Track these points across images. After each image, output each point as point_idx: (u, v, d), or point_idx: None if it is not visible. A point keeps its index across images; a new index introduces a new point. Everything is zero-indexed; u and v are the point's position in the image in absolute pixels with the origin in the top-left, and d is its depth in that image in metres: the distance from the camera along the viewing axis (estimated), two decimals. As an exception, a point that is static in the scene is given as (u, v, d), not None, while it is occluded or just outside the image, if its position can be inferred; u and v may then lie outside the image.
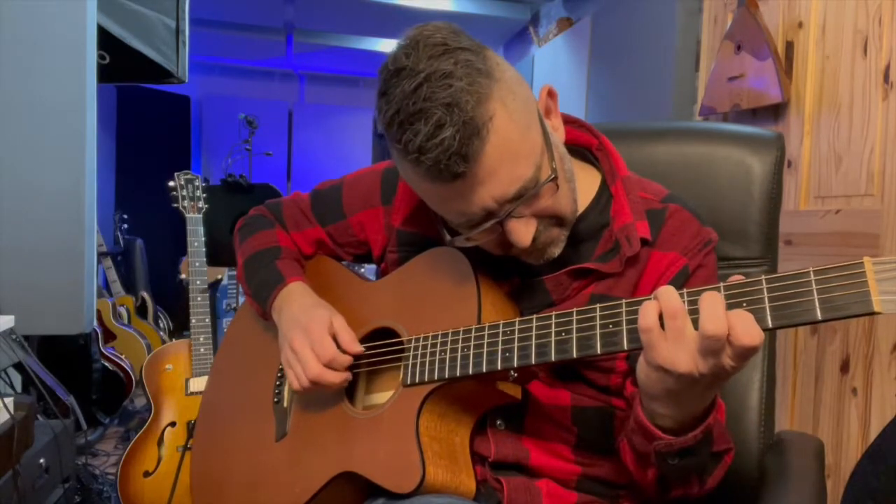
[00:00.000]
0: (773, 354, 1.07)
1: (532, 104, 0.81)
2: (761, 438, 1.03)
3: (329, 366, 0.89)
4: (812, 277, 0.61)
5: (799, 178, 2.01)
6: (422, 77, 0.73)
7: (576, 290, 0.88)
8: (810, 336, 1.93)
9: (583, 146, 0.98)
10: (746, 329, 0.61)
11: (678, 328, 0.64)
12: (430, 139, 0.72)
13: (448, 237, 0.85)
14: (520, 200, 0.78)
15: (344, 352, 0.91)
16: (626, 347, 0.70)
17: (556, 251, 0.86)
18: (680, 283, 0.85)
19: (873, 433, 1.71)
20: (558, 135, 0.86)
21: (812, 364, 1.92)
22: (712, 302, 0.63)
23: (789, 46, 2.06)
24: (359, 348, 0.91)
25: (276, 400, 1.03)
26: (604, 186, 0.94)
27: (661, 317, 0.65)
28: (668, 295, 0.65)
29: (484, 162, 0.74)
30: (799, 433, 1.03)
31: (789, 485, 0.93)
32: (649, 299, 0.69)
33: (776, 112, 2.10)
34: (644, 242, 0.87)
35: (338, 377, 0.90)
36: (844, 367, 1.81)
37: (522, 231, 0.80)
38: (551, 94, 0.86)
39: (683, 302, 0.65)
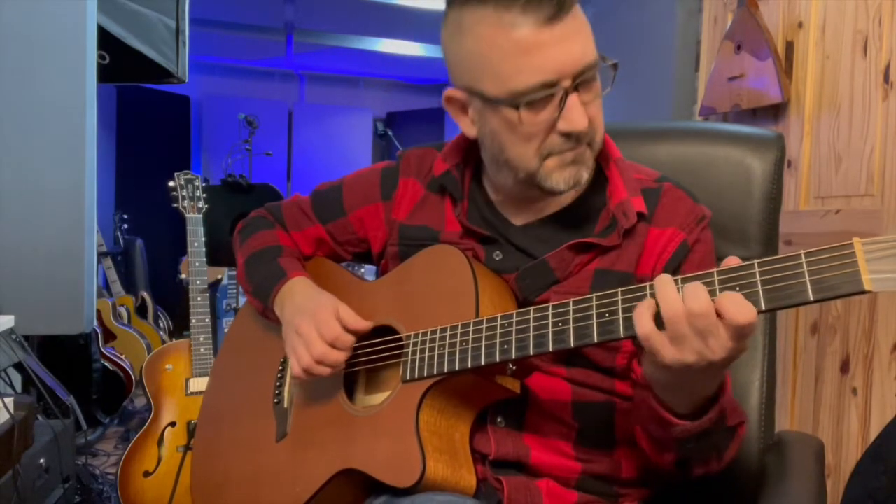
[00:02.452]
0: (773, 354, 1.07)
1: None
2: (761, 438, 1.03)
3: (333, 345, 0.90)
4: (803, 259, 0.62)
5: (799, 178, 2.01)
6: None
7: (579, 266, 0.90)
8: (810, 336, 1.93)
9: None
10: (738, 308, 0.63)
11: (680, 333, 0.65)
12: None
13: (510, 107, 0.84)
14: (587, 73, 0.82)
15: (351, 332, 0.92)
16: (622, 335, 0.72)
17: (585, 174, 0.89)
18: (680, 258, 0.89)
19: (873, 433, 1.71)
20: None
21: (812, 364, 1.92)
22: (696, 292, 0.64)
23: (789, 46, 2.06)
24: (365, 324, 0.93)
25: (276, 401, 1.03)
26: (599, 170, 0.96)
27: (657, 316, 0.67)
28: (666, 296, 0.66)
29: (574, 17, 0.81)
30: (799, 433, 1.03)
31: (789, 485, 0.93)
32: (643, 290, 0.70)
33: (776, 112, 2.10)
34: (640, 217, 0.90)
35: (342, 356, 0.91)
36: (844, 367, 1.81)
37: (581, 110, 0.83)
38: None
39: (678, 290, 0.66)
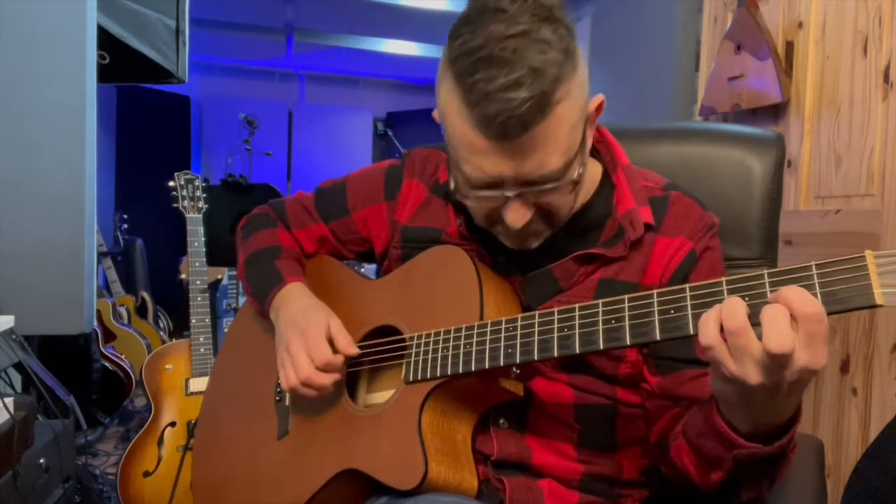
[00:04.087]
0: (773, 354, 1.07)
1: (586, 107, 0.82)
2: (761, 438, 1.03)
3: (323, 369, 0.90)
4: (814, 271, 0.61)
5: (799, 178, 2.01)
6: (520, 29, 0.72)
7: (583, 276, 0.88)
8: (810, 336, 1.93)
9: None
10: (775, 333, 0.58)
11: (743, 344, 0.61)
12: (503, 91, 0.71)
13: (452, 186, 0.84)
14: (535, 188, 0.78)
15: (340, 354, 0.91)
16: (629, 343, 0.70)
17: (535, 244, 0.87)
18: (688, 267, 0.87)
19: (873, 433, 1.71)
20: (588, 144, 0.86)
21: (812, 364, 1.92)
22: (775, 316, 0.59)
23: (789, 46, 2.06)
24: (355, 350, 0.92)
25: (277, 398, 1.03)
26: (606, 177, 0.95)
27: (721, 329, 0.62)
28: (732, 310, 0.61)
29: (531, 137, 0.74)
30: (799, 433, 1.03)
31: (789, 485, 0.93)
32: (650, 297, 0.69)
33: (776, 112, 2.10)
34: (648, 227, 0.88)
35: (328, 379, 0.90)
36: (844, 367, 1.81)
37: (520, 214, 0.80)
38: (601, 107, 0.86)
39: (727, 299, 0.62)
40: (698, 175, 1.07)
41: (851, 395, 1.79)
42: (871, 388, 1.73)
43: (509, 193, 0.79)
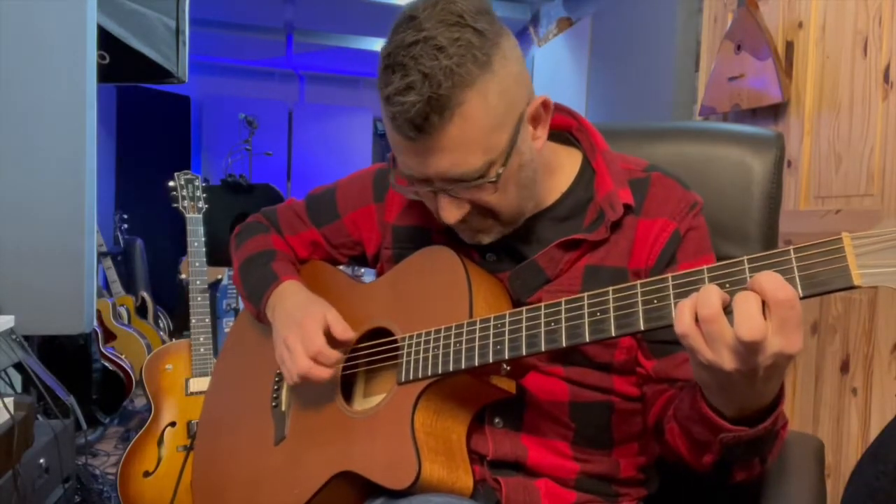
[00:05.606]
0: (772, 354, 1.07)
1: (517, 108, 0.81)
2: (761, 438, 1.03)
3: (315, 359, 0.90)
4: (792, 255, 0.61)
5: (799, 178, 2.01)
6: (421, 36, 0.75)
7: (569, 263, 0.88)
8: (810, 336, 1.93)
9: (563, 129, 0.99)
10: (745, 322, 0.60)
11: (717, 332, 0.62)
12: (396, 95, 0.76)
13: (393, 180, 0.88)
14: (456, 185, 0.81)
15: (338, 342, 0.92)
16: (613, 334, 0.71)
17: (487, 240, 0.89)
18: (673, 248, 0.87)
19: (873, 433, 1.71)
20: (536, 144, 0.86)
21: (812, 364, 1.92)
22: (746, 303, 0.60)
23: (789, 46, 2.07)
24: (352, 334, 0.92)
25: (274, 404, 1.03)
26: (586, 164, 0.95)
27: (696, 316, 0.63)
28: (706, 298, 0.62)
29: (438, 138, 0.77)
30: (799, 433, 1.03)
31: (789, 485, 0.93)
32: (634, 288, 0.69)
33: (776, 112, 2.11)
34: (628, 208, 0.88)
35: (325, 372, 0.90)
36: (844, 367, 1.81)
37: (451, 210, 0.84)
38: (545, 105, 0.86)
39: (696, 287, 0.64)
40: (698, 175, 1.07)
41: (851, 395, 1.79)
42: (871, 388, 1.73)
43: (435, 189, 0.83)
